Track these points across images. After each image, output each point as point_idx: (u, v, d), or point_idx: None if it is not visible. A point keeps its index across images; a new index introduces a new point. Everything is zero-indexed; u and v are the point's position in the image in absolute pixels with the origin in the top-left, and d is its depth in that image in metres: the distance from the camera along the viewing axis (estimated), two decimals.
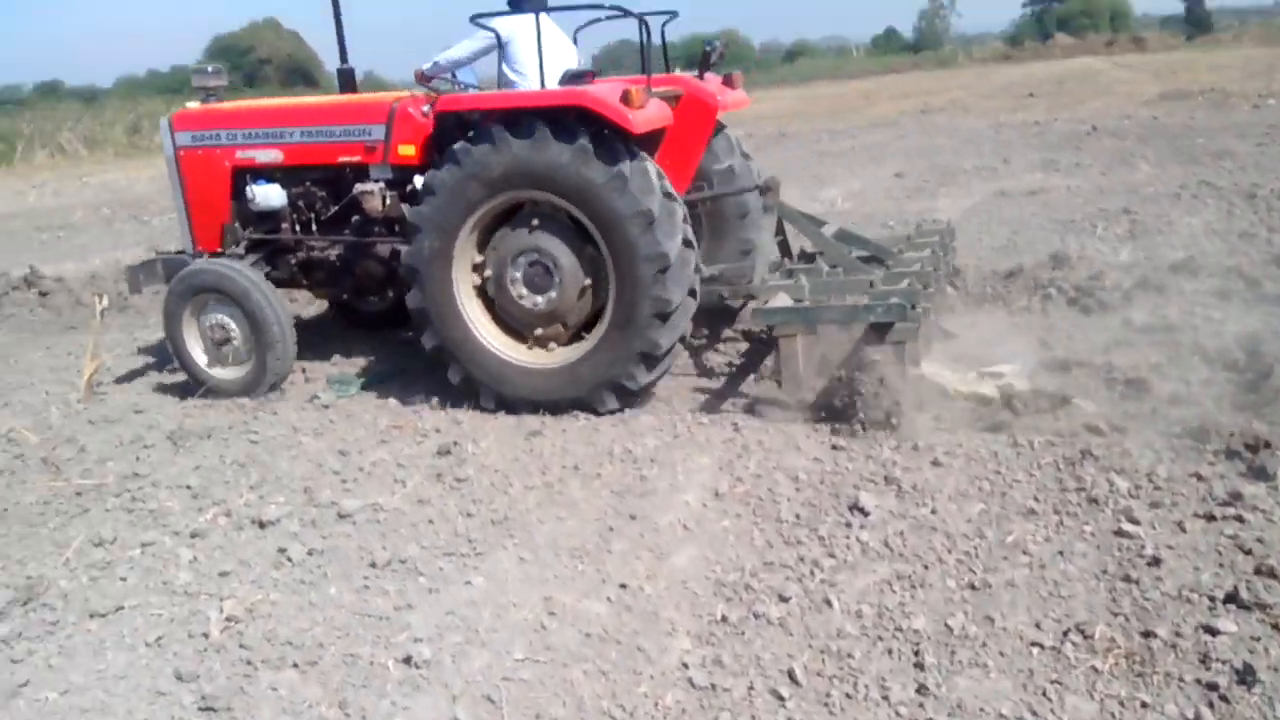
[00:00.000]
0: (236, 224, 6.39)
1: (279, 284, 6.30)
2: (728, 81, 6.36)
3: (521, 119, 5.10)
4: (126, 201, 19.21)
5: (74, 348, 7.45)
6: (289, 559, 3.91)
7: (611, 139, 5.02)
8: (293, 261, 6.42)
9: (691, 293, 5.28)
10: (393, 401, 5.75)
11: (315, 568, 3.85)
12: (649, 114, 5.13)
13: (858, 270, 5.78)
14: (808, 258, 6.44)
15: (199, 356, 6.13)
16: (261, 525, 4.22)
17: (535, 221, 5.29)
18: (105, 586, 3.82)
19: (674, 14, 6.17)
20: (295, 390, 6.14)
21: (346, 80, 6.49)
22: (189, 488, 4.70)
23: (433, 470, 4.70)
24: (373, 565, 3.81)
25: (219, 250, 6.35)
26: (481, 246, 5.48)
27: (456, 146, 5.24)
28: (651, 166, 5.16)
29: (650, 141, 5.47)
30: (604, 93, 5.06)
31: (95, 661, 3.33)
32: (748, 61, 72.89)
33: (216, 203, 6.39)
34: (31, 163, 34.09)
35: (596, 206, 5.06)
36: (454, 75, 5.84)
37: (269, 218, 6.38)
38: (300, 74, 54.66)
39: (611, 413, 5.29)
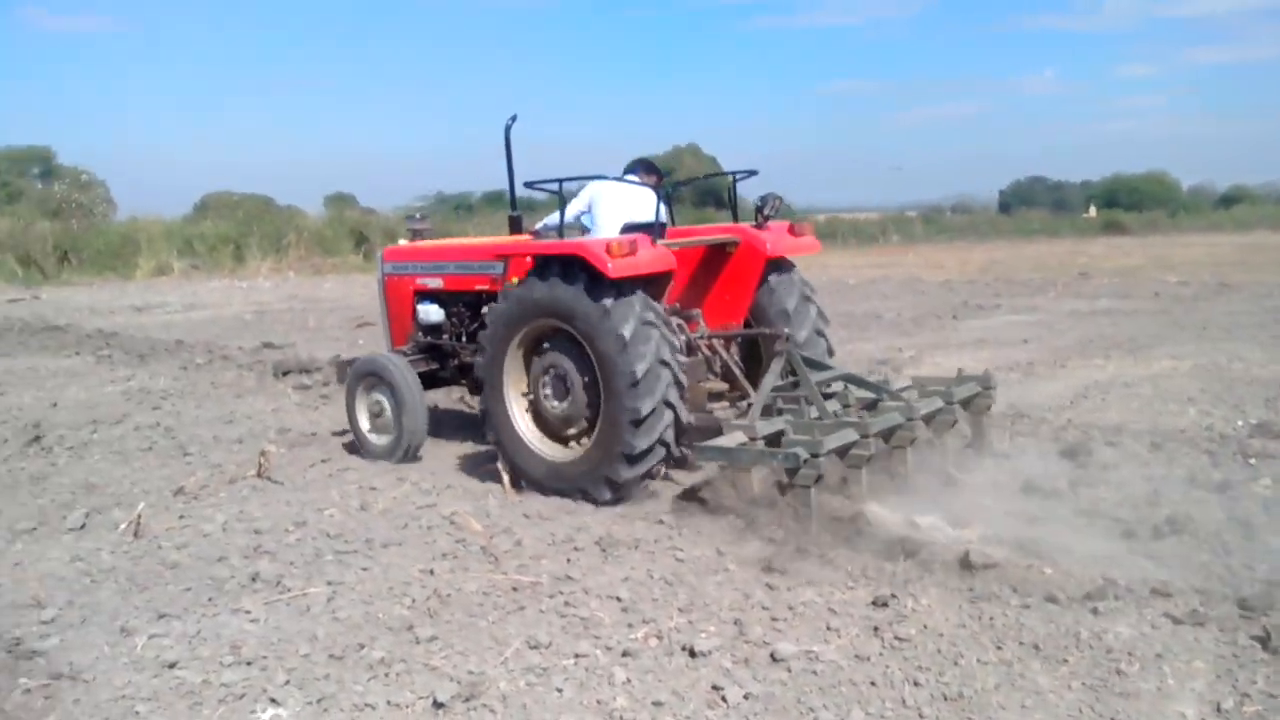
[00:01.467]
0: (417, 332, 8.11)
1: (444, 381, 8.24)
2: (793, 230, 7.17)
3: (545, 264, 6.41)
4: None
5: None
6: (724, 699, 3.65)
7: (601, 280, 6.03)
8: (452, 364, 7.96)
9: (669, 404, 6.09)
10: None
11: (752, 715, 3.56)
12: (633, 261, 6.06)
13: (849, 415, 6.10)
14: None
15: (364, 423, 7.75)
16: (693, 654, 4.02)
17: (546, 345, 6.56)
18: (542, 696, 3.74)
19: (753, 172, 7.66)
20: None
21: (515, 225, 7.62)
22: (619, 600, 4.62)
23: (868, 622, 4.31)
24: None
25: (403, 350, 8.11)
26: (528, 361, 6.71)
27: (505, 285, 6.93)
28: (638, 301, 6.12)
29: (656, 282, 6.45)
30: (593, 244, 6.15)
31: None
32: (1173, 204, 68.09)
33: (403, 315, 8.30)
34: None
35: (585, 330, 6.18)
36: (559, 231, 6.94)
37: (434, 329, 8.04)
38: (714, 196, 57.41)
39: (605, 503, 6.21)
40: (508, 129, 7.40)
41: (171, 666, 4.08)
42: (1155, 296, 19.50)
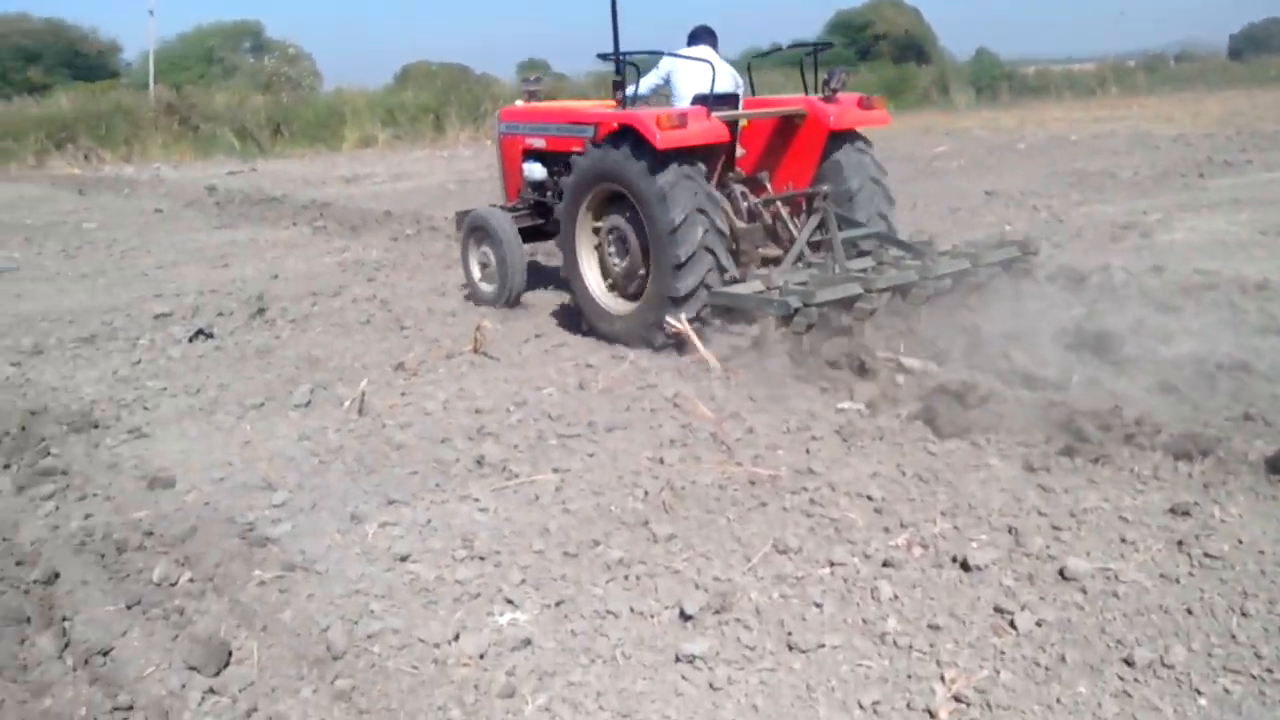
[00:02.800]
0: (526, 189, 8.61)
1: (547, 235, 8.61)
2: (863, 104, 7.36)
3: (607, 134, 6.91)
4: None
5: None
6: (1013, 626, 3.18)
7: (652, 149, 6.44)
8: (553, 219, 7.97)
9: (709, 249, 6.45)
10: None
11: (1050, 647, 3.08)
12: (683, 133, 6.46)
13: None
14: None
15: (475, 272, 8.55)
16: (965, 568, 3.55)
17: (610, 208, 7.08)
18: (799, 610, 3.37)
19: (830, 44, 8.33)
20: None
21: (618, 90, 7.30)
22: (869, 499, 4.18)
23: (1169, 534, 3.72)
24: (1128, 664, 2.96)
25: (516, 206, 8.73)
26: (599, 218, 7.20)
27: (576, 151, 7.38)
28: (678, 163, 6.50)
29: (712, 151, 6.89)
30: (645, 116, 6.56)
31: (803, 712, 2.86)
32: None
33: (515, 173, 8.77)
34: None
35: (636, 192, 6.62)
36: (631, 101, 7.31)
37: (539, 186, 8.49)
38: (914, 50, 54.33)
39: (660, 348, 6.63)
40: (613, 1, 7.09)
41: (404, 559, 3.91)
42: None
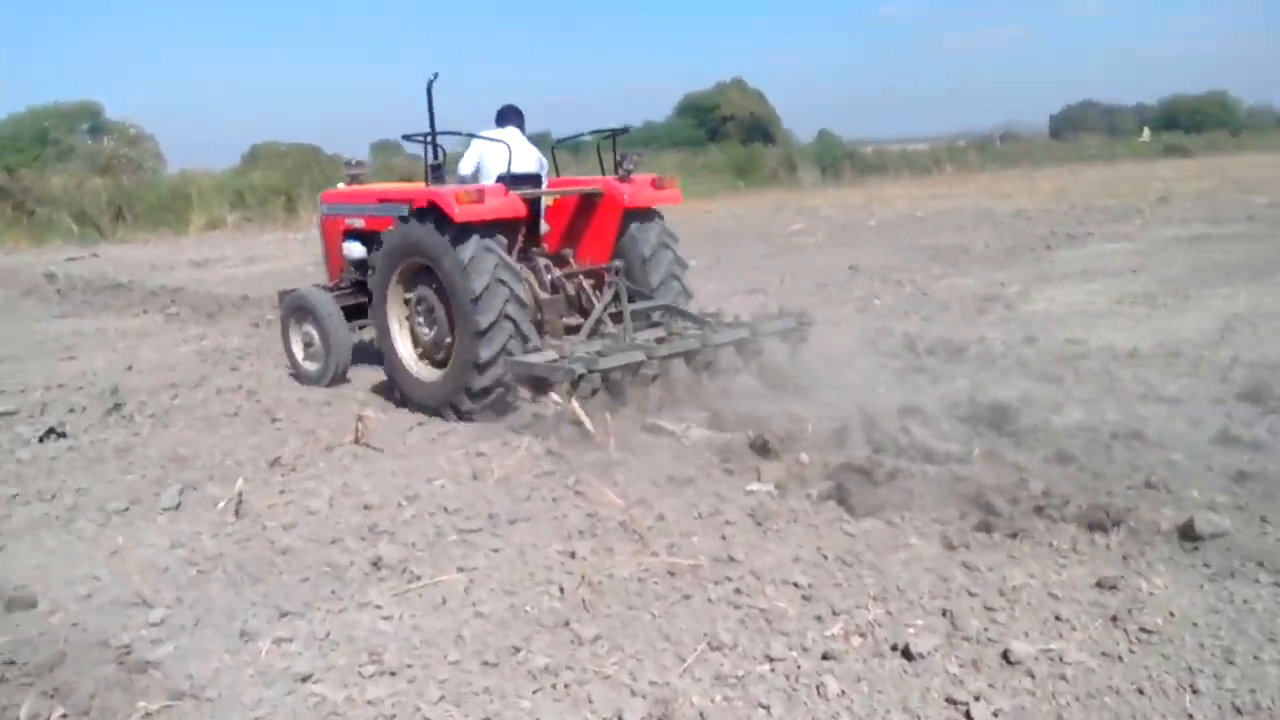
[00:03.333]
0: (348, 268, 8.94)
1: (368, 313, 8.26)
2: (656, 184, 7.91)
3: (414, 210, 7.26)
4: None
5: None
6: (968, 716, 3.07)
7: (449, 220, 6.84)
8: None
9: (509, 317, 6.82)
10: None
11: None
12: (479, 207, 6.86)
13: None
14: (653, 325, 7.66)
15: (299, 352, 8.67)
16: (909, 656, 3.44)
17: (418, 281, 7.44)
18: (747, 715, 3.18)
19: (625, 130, 8.31)
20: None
21: (435, 174, 7.53)
22: (796, 585, 4.05)
23: (1102, 610, 3.70)
24: None
25: (339, 285, 9.05)
26: (409, 290, 7.54)
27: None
28: (478, 236, 6.88)
29: (510, 226, 7.23)
30: (445, 193, 6.92)
31: None
32: (1233, 124, 65.73)
33: (336, 252, 9.12)
34: None
35: (440, 264, 6.99)
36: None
37: (360, 265, 8.73)
38: (760, 130, 56.17)
39: (465, 415, 7.03)
40: (429, 85, 7.42)
41: (305, 679, 3.57)
42: (1250, 219, 18.52)
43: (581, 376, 6.33)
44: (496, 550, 4.68)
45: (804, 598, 3.96)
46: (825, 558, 4.32)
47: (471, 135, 8.01)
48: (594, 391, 6.45)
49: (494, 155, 7.87)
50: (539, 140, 8.60)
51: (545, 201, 8.18)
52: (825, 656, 3.49)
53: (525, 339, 6.91)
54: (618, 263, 7.63)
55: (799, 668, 3.42)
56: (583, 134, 8.94)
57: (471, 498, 5.43)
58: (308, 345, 8.57)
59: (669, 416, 6.64)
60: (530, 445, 6.23)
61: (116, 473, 6.29)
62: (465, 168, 8.02)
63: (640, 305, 7.61)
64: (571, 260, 8.03)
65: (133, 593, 4.44)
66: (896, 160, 54.35)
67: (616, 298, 7.47)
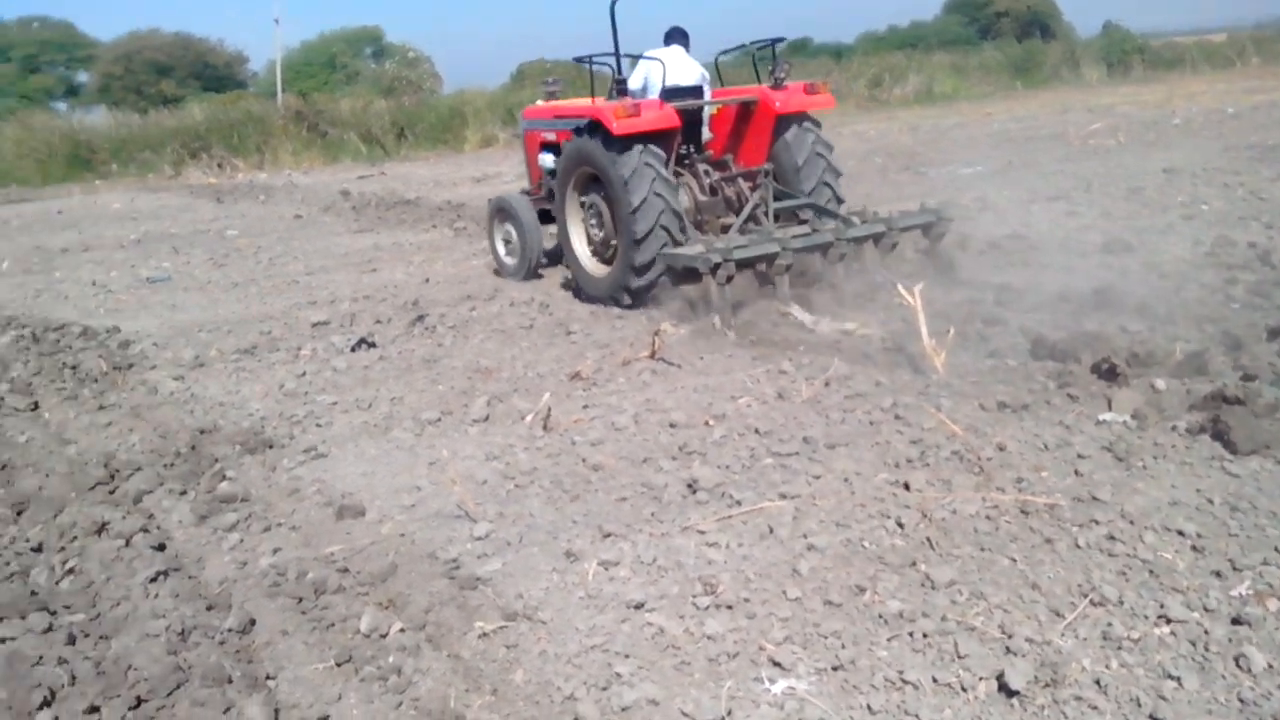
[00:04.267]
0: (545, 176, 9.41)
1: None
2: (809, 90, 8.28)
3: (582, 124, 8.03)
4: (891, 151, 19.11)
5: None
6: None
7: (610, 136, 7.53)
8: None
9: (664, 227, 7.46)
10: None
11: None
12: (635, 120, 7.49)
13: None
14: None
15: (500, 249, 9.72)
16: None
17: (590, 187, 8.22)
18: (1155, 686, 2.74)
19: (781, 39, 8.74)
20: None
21: (620, 88, 8.21)
22: (1182, 534, 3.51)
23: None
24: None
25: (536, 191, 9.74)
26: (583, 195, 8.28)
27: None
28: (638, 150, 7.50)
29: (664, 137, 7.78)
30: (605, 108, 7.61)
31: None
32: None
33: (535, 162, 9.84)
34: None
35: (604, 174, 7.70)
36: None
37: (552, 173, 9.01)
38: (1038, 26, 52.27)
39: (626, 308, 7.80)
40: (612, 7, 8.14)
41: (638, 607, 3.40)
42: None
43: (718, 265, 6.85)
44: (818, 477, 4.37)
45: (1194, 549, 3.43)
46: (1210, 502, 3.74)
47: (638, 56, 8.76)
48: (729, 279, 6.92)
49: (658, 71, 8.53)
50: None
51: (708, 111, 8.80)
52: (1236, 621, 2.98)
53: (677, 242, 7.56)
54: (767, 165, 8.05)
55: (1206, 633, 2.93)
56: (744, 45, 9.05)
57: (781, 419, 5.13)
58: (507, 242, 9.63)
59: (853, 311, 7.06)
60: (837, 365, 5.86)
61: (425, 383, 6.42)
62: (634, 83, 8.65)
63: (784, 204, 8.04)
64: (731, 164, 8.59)
65: (454, 505, 4.44)
66: (1193, 52, 49.33)
67: (764, 197, 7.94)
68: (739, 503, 4.18)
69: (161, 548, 4.27)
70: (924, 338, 5.62)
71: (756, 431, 4.98)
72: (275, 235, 14.34)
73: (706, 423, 5.17)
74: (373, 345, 7.36)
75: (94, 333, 8.28)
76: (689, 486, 4.39)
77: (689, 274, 7.25)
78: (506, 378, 6.37)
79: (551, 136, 9.38)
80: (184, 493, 4.86)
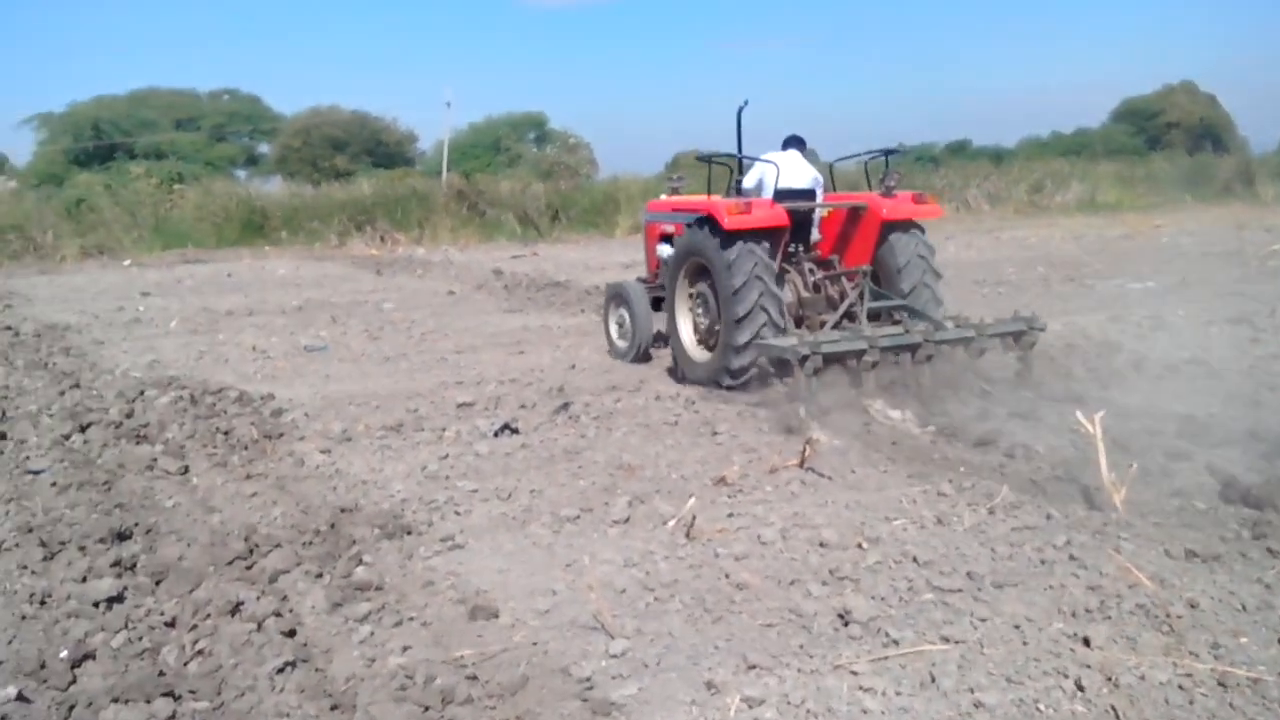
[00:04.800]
0: (662, 265, 9.92)
1: None
2: (916, 199, 8.78)
3: (697, 219, 8.66)
4: (1054, 260, 18.47)
5: None
6: None
7: (720, 228, 8.12)
8: None
9: (763, 309, 7.99)
10: None
11: None
12: (746, 218, 8.10)
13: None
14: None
15: (613, 331, 10.28)
16: None
17: (699, 277, 8.78)
18: None
19: (896, 150, 9.51)
20: None
21: (736, 189, 9.35)
22: None
23: None
24: None
25: (653, 280, 10.28)
26: (692, 286, 8.83)
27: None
28: (742, 242, 8.08)
29: (772, 234, 8.31)
30: (719, 205, 8.29)
31: None
32: None
33: (652, 252, 10.46)
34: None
35: (711, 261, 8.31)
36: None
37: (669, 263, 9.47)
38: (1211, 138, 50.50)
39: (727, 388, 8.20)
40: (739, 112, 9.15)
41: None
42: None
43: (807, 357, 7.28)
44: (984, 620, 4.01)
45: None
46: None
47: (755, 158, 9.29)
48: (815, 371, 7.31)
49: (771, 174, 9.03)
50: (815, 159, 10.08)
51: (820, 213, 9.30)
52: None
53: (778, 328, 8.00)
54: (866, 266, 8.51)
55: None
56: (859, 154, 9.81)
57: (941, 548, 4.79)
58: (620, 326, 10.17)
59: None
60: (1005, 493, 5.48)
61: (567, 476, 6.28)
62: (748, 183, 9.29)
63: (879, 304, 8.45)
64: (837, 265, 9.04)
65: (591, 614, 4.24)
66: None
67: (861, 296, 8.38)
68: (896, 642, 3.86)
69: (292, 634, 4.18)
70: (1103, 470, 5.21)
71: (915, 560, 4.65)
72: (428, 310, 14.65)
73: (859, 545, 4.87)
74: (515, 431, 7.29)
75: (249, 399, 8.47)
76: (840, 617, 4.10)
77: (782, 364, 7.73)
78: (650, 477, 6.18)
79: (670, 229, 9.93)
80: (319, 575, 4.79)
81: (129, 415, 7.89)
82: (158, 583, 4.69)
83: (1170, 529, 4.86)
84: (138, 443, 7.15)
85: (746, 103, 9.17)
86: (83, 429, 7.46)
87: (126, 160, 37.59)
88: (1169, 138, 51.13)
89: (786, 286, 8.73)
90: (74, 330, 13.15)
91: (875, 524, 5.17)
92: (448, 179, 33.65)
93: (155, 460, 6.68)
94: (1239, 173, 41.64)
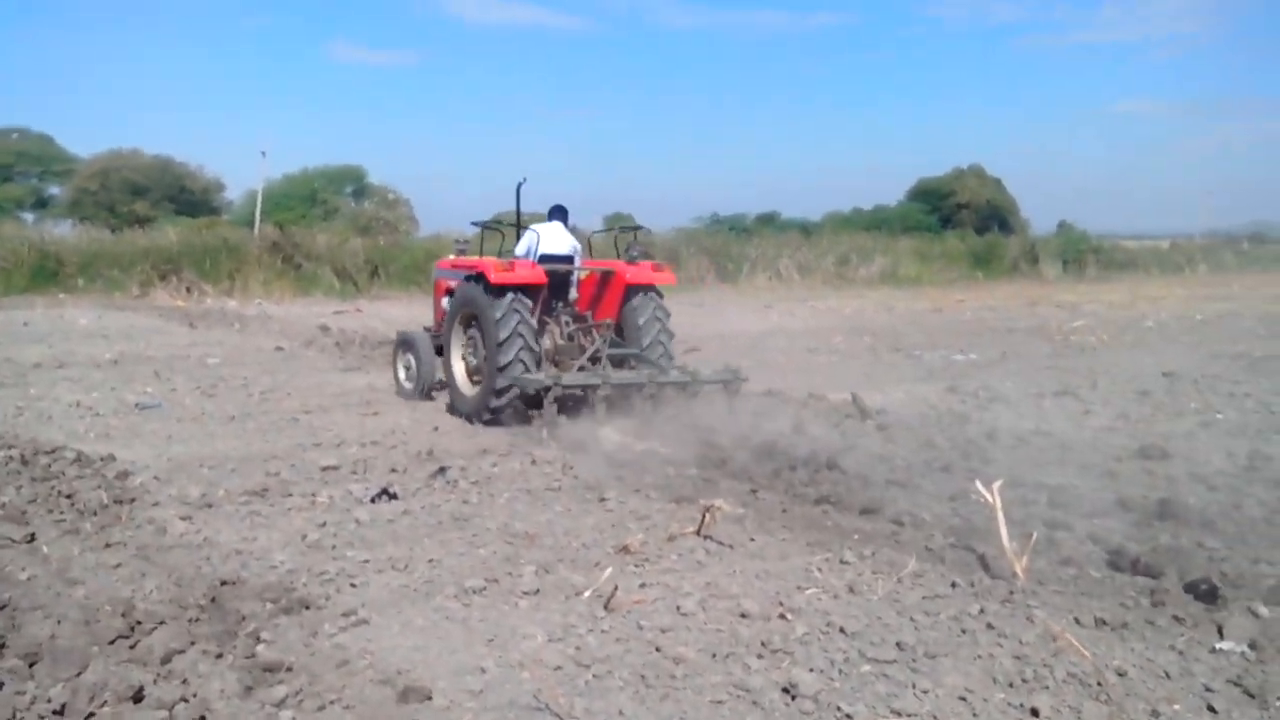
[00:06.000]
0: (445, 317, 10.98)
1: None
2: (655, 267, 10.61)
3: (470, 275, 10.15)
4: (875, 331, 19.31)
5: None
6: None
7: (490, 285, 9.61)
8: None
9: (521, 361, 9.43)
10: None
11: None
12: (511, 275, 9.65)
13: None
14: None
15: (401, 374, 11.54)
16: None
17: (470, 325, 10.26)
18: None
19: (639, 227, 12.61)
20: None
21: (506, 254, 10.87)
22: None
23: None
24: None
25: (437, 329, 11.51)
26: (466, 330, 10.29)
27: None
28: (509, 297, 9.56)
29: (531, 290, 9.91)
30: (487, 263, 9.92)
31: None
32: None
33: (439, 304, 11.74)
34: (753, 283, 37.15)
35: (481, 314, 9.72)
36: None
37: None
38: (997, 219, 54.32)
39: (485, 423, 9.68)
40: (518, 187, 10.97)
41: None
42: None
43: (549, 388, 9.06)
44: (926, 691, 4.05)
45: None
46: None
47: (524, 227, 10.99)
48: (556, 400, 9.10)
49: (534, 241, 10.63)
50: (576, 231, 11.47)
51: (579, 275, 10.91)
52: None
53: (533, 367, 9.51)
54: (607, 320, 10.44)
55: None
56: (611, 229, 12.12)
57: (864, 618, 4.83)
58: (407, 369, 11.45)
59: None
60: (899, 559, 5.60)
61: (462, 544, 6.03)
62: (519, 249, 10.71)
63: (617, 351, 10.29)
64: (590, 318, 10.65)
65: (530, 694, 4.04)
66: (1145, 257, 51.60)
67: (604, 345, 10.18)
68: (850, 717, 3.84)
69: None
70: (1004, 538, 5.40)
71: (842, 631, 4.66)
72: (259, 367, 13.96)
73: (783, 616, 4.85)
74: (394, 497, 6.97)
75: (88, 460, 7.78)
76: (786, 691, 4.05)
77: (534, 397, 9.34)
78: (550, 545, 6.01)
79: (452, 284, 11.06)
80: (219, 655, 4.39)
81: None
82: (31, 665, 4.18)
83: (1073, 597, 5.06)
84: None
85: (525, 179, 10.97)
86: None
87: None
88: (959, 217, 54.57)
89: (546, 335, 10.35)
90: None
91: (790, 593, 5.17)
92: (261, 230, 32.41)
93: None
94: (1024, 252, 44.94)
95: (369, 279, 31.44)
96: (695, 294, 31.87)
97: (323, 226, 35.83)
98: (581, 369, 9.85)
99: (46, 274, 27.89)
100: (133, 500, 6.81)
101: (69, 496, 6.82)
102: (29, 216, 40.41)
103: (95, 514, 6.49)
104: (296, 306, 25.87)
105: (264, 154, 35.12)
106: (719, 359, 14.44)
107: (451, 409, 10.39)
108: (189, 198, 43.04)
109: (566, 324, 10.58)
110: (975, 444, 8.48)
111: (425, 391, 11.13)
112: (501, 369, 9.35)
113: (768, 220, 53.52)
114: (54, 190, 45.01)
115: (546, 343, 10.25)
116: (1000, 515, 5.45)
